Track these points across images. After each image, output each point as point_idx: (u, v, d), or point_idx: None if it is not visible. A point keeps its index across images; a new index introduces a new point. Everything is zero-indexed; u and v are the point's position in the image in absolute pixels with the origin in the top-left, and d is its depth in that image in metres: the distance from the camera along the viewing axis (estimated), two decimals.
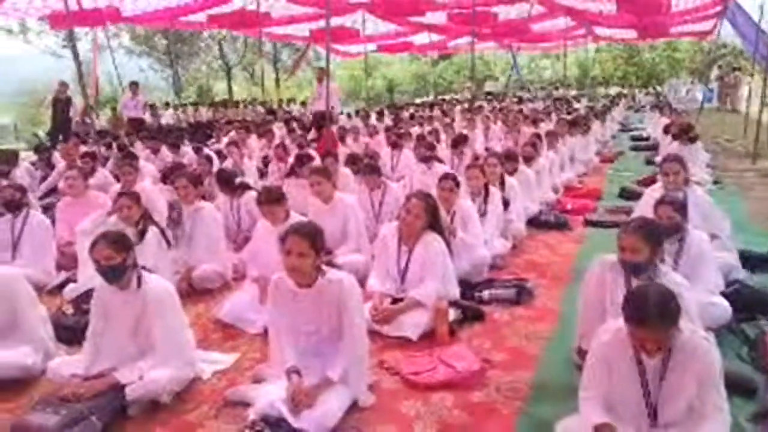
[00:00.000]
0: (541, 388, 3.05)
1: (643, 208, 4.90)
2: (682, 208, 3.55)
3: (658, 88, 31.23)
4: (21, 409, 2.97)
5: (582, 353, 2.98)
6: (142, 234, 4.11)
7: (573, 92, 27.87)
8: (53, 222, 5.42)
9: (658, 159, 10.05)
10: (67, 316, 3.89)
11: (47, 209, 6.65)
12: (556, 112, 14.66)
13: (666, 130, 10.45)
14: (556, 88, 27.61)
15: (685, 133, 8.59)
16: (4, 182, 6.75)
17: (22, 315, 3.28)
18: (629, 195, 7.41)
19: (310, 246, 2.77)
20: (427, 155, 6.99)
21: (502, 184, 5.54)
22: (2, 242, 4.76)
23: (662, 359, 2.24)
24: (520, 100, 23.08)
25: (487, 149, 9.96)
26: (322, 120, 10.54)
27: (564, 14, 16.49)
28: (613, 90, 32.77)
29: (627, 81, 36.04)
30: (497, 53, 31.46)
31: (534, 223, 6.16)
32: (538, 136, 7.88)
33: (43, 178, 8.28)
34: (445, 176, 4.67)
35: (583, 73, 31.65)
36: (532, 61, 39.96)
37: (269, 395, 2.75)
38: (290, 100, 21.00)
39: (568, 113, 14.65)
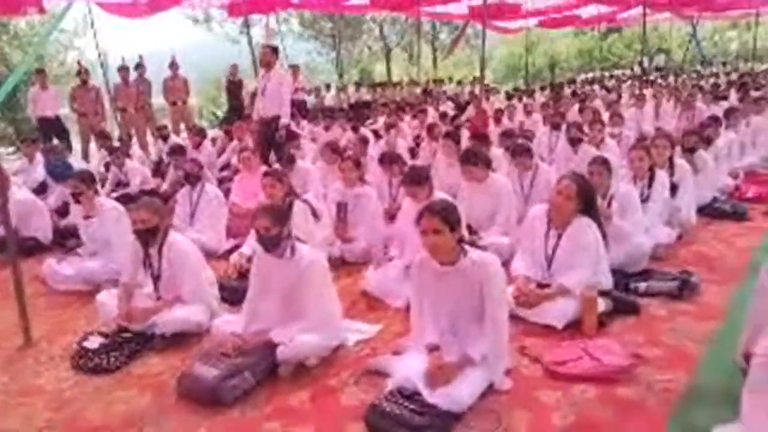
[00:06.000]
0: (699, 391, 2.79)
1: None
2: None
3: None
4: (190, 359, 3.33)
5: (750, 358, 2.67)
6: (289, 209, 4.31)
7: (764, 66, 24.65)
8: (227, 194, 5.99)
9: None
10: (231, 279, 4.28)
11: (222, 182, 7.35)
12: (741, 88, 13.08)
13: None
14: (745, 62, 24.62)
15: None
16: (194, 155, 7.52)
17: (194, 277, 3.65)
18: None
19: (442, 222, 2.76)
20: (575, 137, 6.40)
21: (671, 167, 5.09)
22: (182, 211, 5.35)
23: None
24: (700, 76, 20.92)
25: (657, 129, 9.21)
26: (269, 129, 7.43)
27: None
28: None
29: None
30: (674, 24, 28.68)
31: (707, 211, 5.60)
32: (716, 119, 7.08)
33: (220, 154, 9.11)
34: (594, 159, 4.37)
35: None
36: (716, 33, 35.96)
37: (408, 368, 2.80)
38: (440, 80, 20.85)
39: (756, 89, 13.02)
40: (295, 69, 14.06)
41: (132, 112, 10.52)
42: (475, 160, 4.84)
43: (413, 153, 8.61)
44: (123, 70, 10.59)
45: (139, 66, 10.82)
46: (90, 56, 15.11)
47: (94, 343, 3.41)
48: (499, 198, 4.82)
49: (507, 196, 4.86)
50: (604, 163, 4.29)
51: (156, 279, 3.67)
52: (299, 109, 12.89)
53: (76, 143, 10.46)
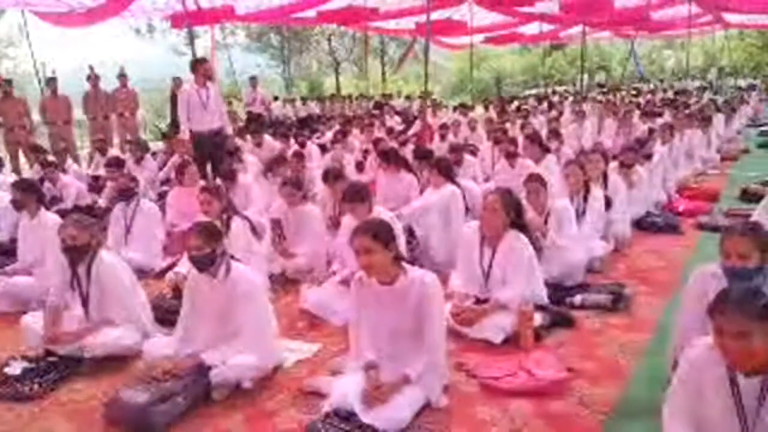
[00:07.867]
0: (630, 403, 2.85)
1: (763, 211, 4.46)
2: None
3: None
4: (121, 383, 3.19)
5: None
6: (227, 226, 4.20)
7: (696, 84, 25.88)
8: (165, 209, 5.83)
9: None
10: (166, 300, 4.15)
11: (162, 197, 7.15)
12: (675, 105, 13.66)
13: None
14: (679, 79, 25.80)
15: None
16: (134, 169, 7.30)
17: (124, 298, 3.52)
18: (751, 197, 6.72)
19: (374, 240, 2.74)
20: (509, 152, 6.46)
21: (605, 181, 5.25)
22: (117, 228, 5.17)
23: (762, 380, 2.00)
24: (638, 93, 21.76)
25: (596, 144, 9.49)
26: (210, 143, 7.19)
27: (688, 0, 15.30)
28: (745, 81, 30.05)
29: (761, 71, 32.88)
30: (614, 42, 29.83)
31: (641, 225, 5.79)
32: (652, 130, 7.36)
33: (162, 168, 8.86)
34: (530, 177, 4.49)
35: (710, 63, 29.33)
36: (653, 51, 37.62)
37: (344, 388, 2.76)
38: (389, 95, 21.04)
39: (687, 106, 13.63)
40: (254, 81, 13.90)
41: (60, 125, 10.10)
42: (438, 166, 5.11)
43: (361, 167, 8.60)
44: (51, 82, 10.20)
45: (91, 77, 10.53)
46: (28, 66, 14.54)
47: (16, 368, 3.25)
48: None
49: (455, 201, 4.99)
50: (539, 179, 4.39)
51: (85, 300, 3.51)
52: (256, 122, 12.76)
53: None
